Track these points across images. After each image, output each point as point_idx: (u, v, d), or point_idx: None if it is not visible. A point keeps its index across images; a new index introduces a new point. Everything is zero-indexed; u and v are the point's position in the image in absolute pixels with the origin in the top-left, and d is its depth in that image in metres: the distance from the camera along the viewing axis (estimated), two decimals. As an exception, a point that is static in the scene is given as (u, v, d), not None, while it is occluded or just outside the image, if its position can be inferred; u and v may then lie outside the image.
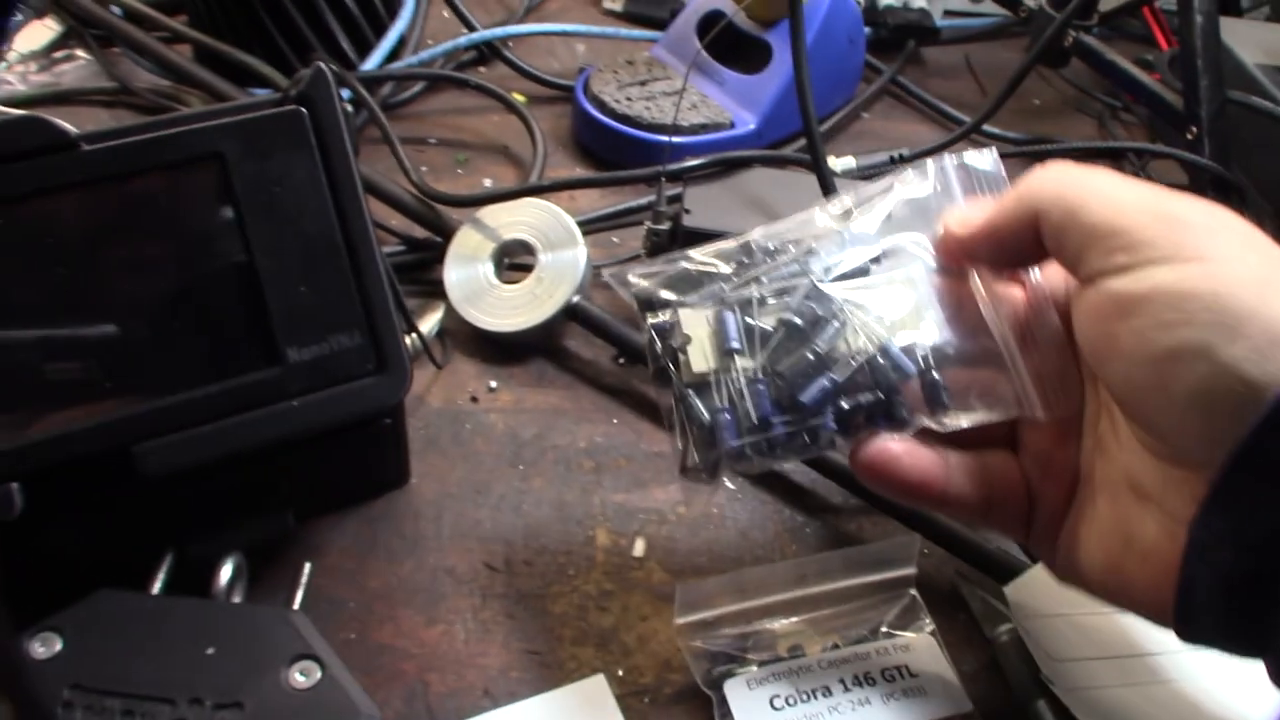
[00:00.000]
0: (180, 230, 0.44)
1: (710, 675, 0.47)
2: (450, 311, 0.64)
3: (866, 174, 0.78)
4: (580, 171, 0.81)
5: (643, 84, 0.82)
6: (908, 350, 0.42)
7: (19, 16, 0.81)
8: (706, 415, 0.42)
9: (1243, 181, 0.73)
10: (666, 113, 0.79)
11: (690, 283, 0.45)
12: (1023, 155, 0.87)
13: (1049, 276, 0.43)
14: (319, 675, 0.41)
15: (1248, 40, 0.84)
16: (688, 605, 0.48)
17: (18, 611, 0.40)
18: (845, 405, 0.41)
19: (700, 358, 0.42)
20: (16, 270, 0.41)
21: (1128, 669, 0.47)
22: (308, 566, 0.50)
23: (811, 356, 0.41)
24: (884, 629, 0.50)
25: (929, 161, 0.45)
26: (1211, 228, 0.36)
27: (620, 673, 0.49)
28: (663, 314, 0.44)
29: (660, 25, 0.95)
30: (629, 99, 0.80)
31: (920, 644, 0.49)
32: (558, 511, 0.56)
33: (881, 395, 0.41)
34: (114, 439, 0.42)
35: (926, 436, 0.42)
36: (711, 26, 0.82)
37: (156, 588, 0.46)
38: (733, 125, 0.81)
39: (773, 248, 0.45)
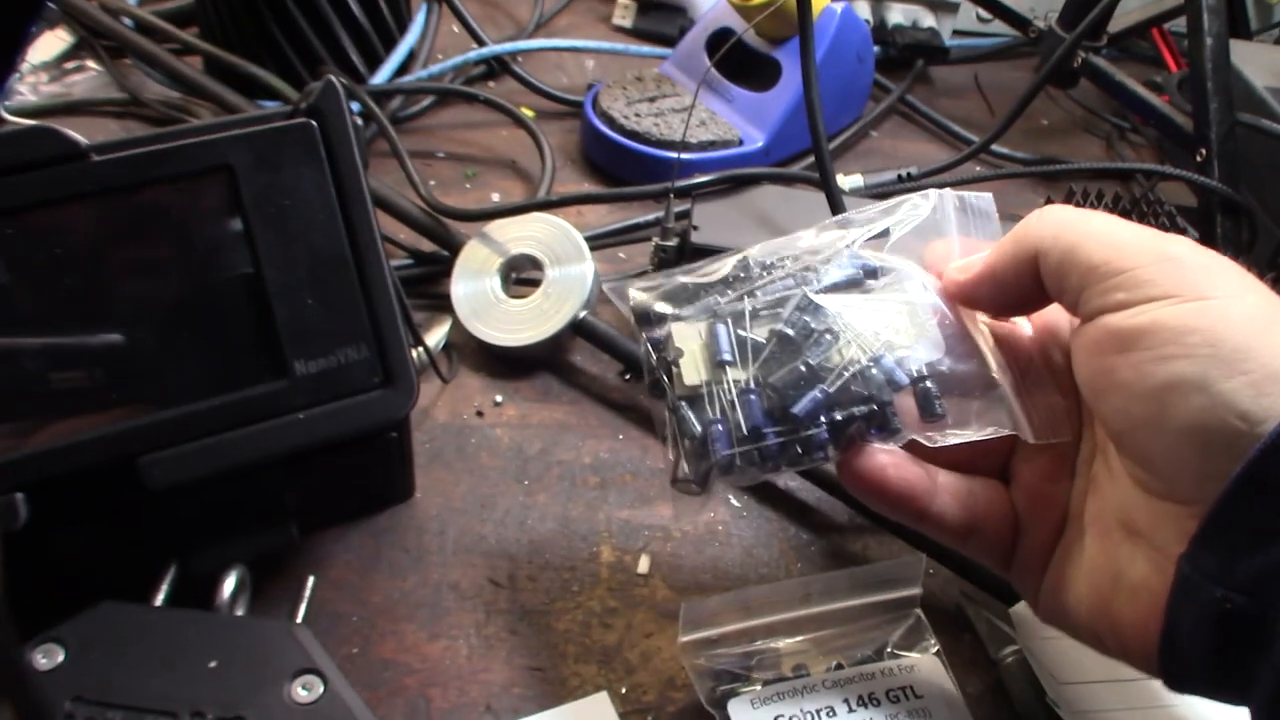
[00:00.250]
0: (188, 241, 0.44)
1: (714, 694, 0.47)
2: (457, 325, 0.64)
3: (874, 192, 0.78)
4: (588, 187, 0.81)
5: (651, 100, 0.82)
6: (901, 362, 0.42)
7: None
8: (698, 427, 0.42)
9: (1252, 204, 0.73)
10: (675, 129, 0.79)
11: (687, 296, 0.45)
12: (1031, 175, 0.87)
13: (1049, 321, 0.43)
14: (321, 690, 0.41)
15: (1257, 63, 0.84)
16: (692, 623, 0.48)
17: (20, 622, 0.40)
18: (838, 416, 0.41)
19: (693, 370, 0.43)
20: (25, 279, 0.41)
21: (1132, 693, 0.46)
22: (311, 580, 0.50)
23: (803, 368, 0.41)
24: (889, 649, 0.49)
25: (931, 191, 0.46)
26: (1210, 268, 0.36)
27: (623, 690, 0.49)
28: (659, 327, 0.44)
29: (669, 42, 0.95)
30: (638, 115, 0.80)
31: (925, 665, 0.49)
32: (562, 527, 0.56)
33: (874, 406, 0.41)
34: (120, 450, 0.42)
35: (917, 453, 0.43)
36: (721, 44, 0.83)
37: (159, 600, 0.46)
38: (741, 142, 0.81)
39: (769, 263, 0.45)
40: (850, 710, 0.46)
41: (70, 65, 0.85)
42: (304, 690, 0.41)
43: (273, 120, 0.45)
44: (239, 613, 0.46)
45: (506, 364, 0.65)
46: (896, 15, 1.01)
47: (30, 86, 0.82)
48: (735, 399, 0.41)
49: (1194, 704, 0.46)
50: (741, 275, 0.45)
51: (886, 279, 0.44)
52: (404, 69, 0.85)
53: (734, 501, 0.58)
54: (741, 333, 0.43)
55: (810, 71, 0.64)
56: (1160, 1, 0.86)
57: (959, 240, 0.45)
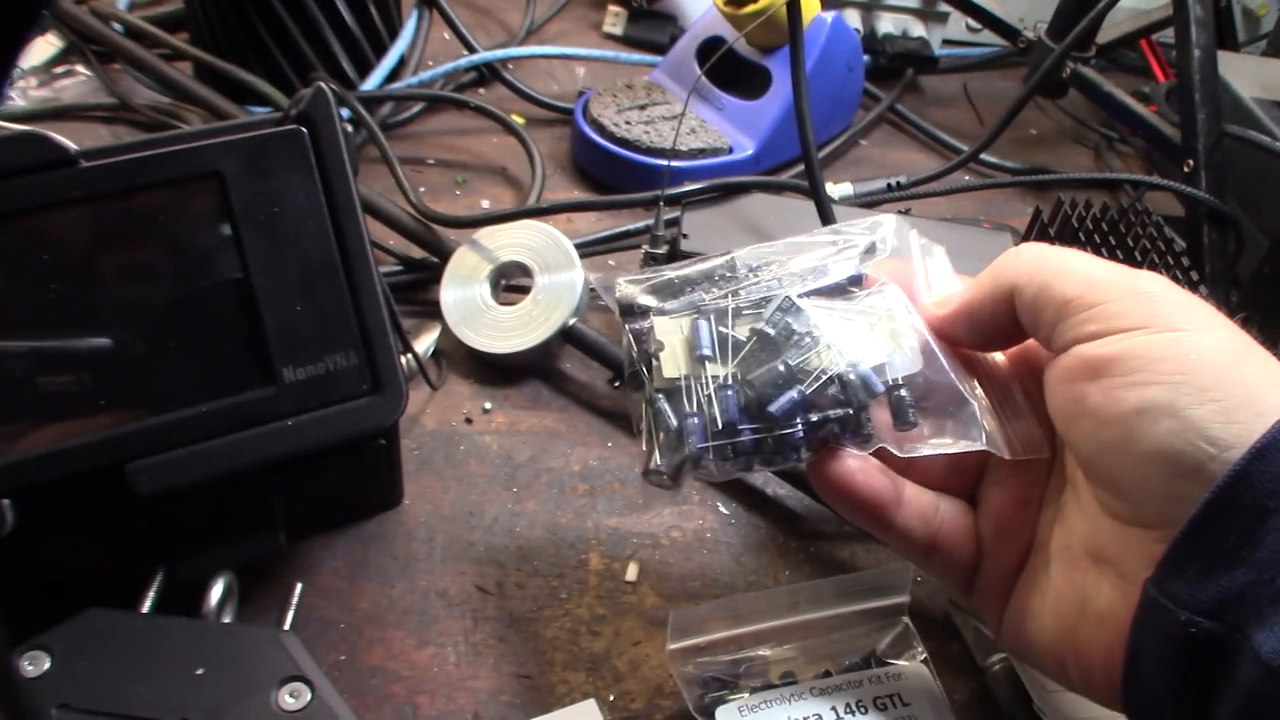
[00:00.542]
0: (178, 248, 0.44)
1: (702, 701, 0.47)
2: (446, 332, 0.64)
3: (864, 201, 0.78)
4: (578, 194, 0.81)
5: (642, 108, 0.83)
6: (878, 370, 0.42)
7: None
8: (674, 419, 0.42)
9: (1239, 215, 0.73)
10: (665, 137, 0.79)
11: (672, 291, 0.45)
12: (1020, 185, 0.88)
13: (1024, 356, 0.44)
14: (309, 697, 0.41)
15: (1244, 74, 0.84)
16: (680, 630, 0.48)
17: (7, 629, 0.39)
18: (813, 418, 0.41)
19: (672, 364, 0.43)
20: (13, 285, 0.41)
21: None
22: (299, 587, 0.50)
23: (782, 368, 0.42)
24: (877, 657, 0.50)
25: (891, 217, 0.47)
26: (1181, 303, 0.37)
27: (611, 698, 0.49)
28: (642, 320, 0.45)
29: (660, 50, 0.95)
30: (628, 123, 0.80)
31: (913, 672, 0.49)
32: (551, 535, 0.56)
33: (849, 410, 0.41)
34: (108, 456, 0.42)
35: (889, 465, 0.43)
36: (711, 52, 0.83)
37: (146, 607, 0.46)
38: (731, 151, 0.81)
39: (755, 265, 0.46)
40: (838, 717, 0.46)
41: (60, 70, 0.85)
42: (291, 698, 0.41)
43: (263, 127, 0.45)
44: (226, 620, 0.46)
45: (496, 371, 0.65)
46: (886, 24, 1.02)
47: (20, 91, 0.82)
48: (713, 394, 0.42)
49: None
50: (728, 274, 0.46)
51: (870, 290, 0.45)
52: (394, 75, 0.85)
53: (722, 509, 0.58)
54: (723, 329, 0.43)
55: (800, 80, 0.64)
56: (1148, 13, 0.86)
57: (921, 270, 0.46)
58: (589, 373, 0.66)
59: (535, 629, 0.52)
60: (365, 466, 0.52)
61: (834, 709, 0.47)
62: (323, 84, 0.46)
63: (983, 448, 0.41)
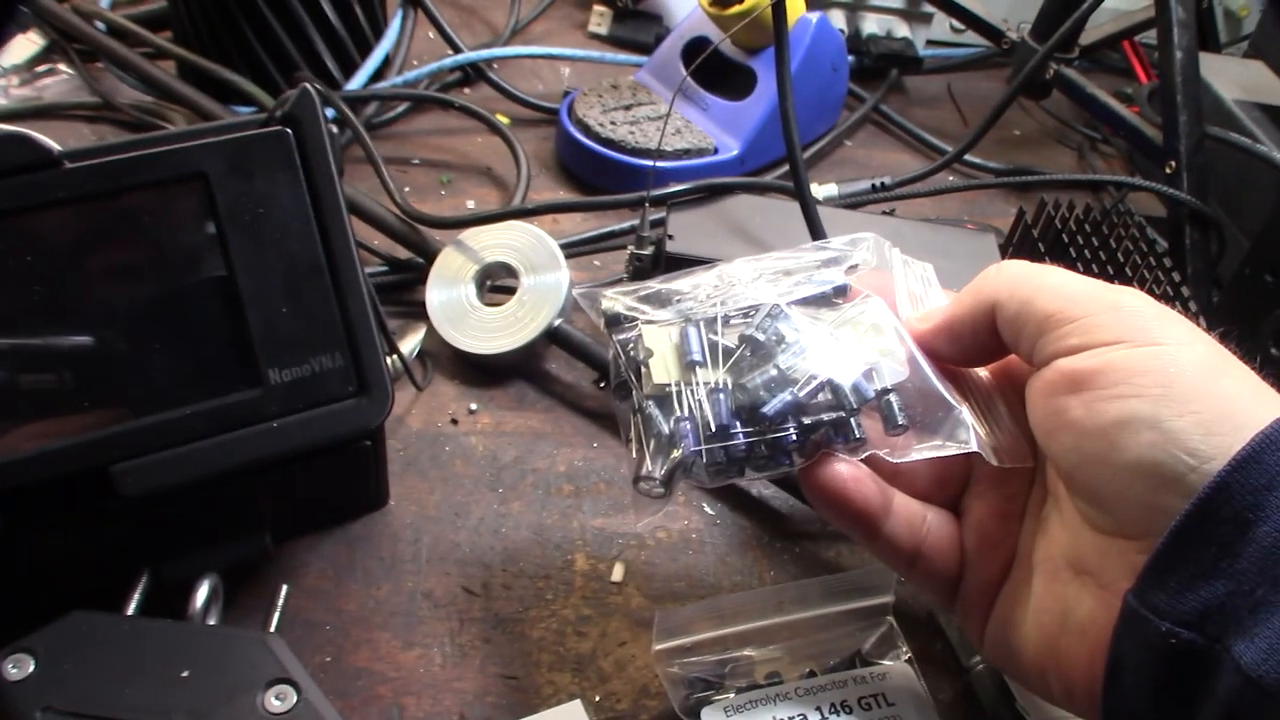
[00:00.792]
0: (163, 250, 0.44)
1: (687, 702, 0.47)
2: (431, 333, 0.64)
3: (849, 202, 0.79)
4: (563, 194, 0.81)
5: (627, 108, 0.83)
6: (867, 375, 0.42)
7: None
8: (666, 425, 0.42)
9: (1220, 216, 0.74)
10: (650, 137, 0.79)
11: (659, 301, 0.46)
12: (1003, 186, 0.88)
13: (1006, 371, 0.44)
14: (295, 700, 0.41)
15: (1225, 76, 0.85)
16: (666, 631, 0.48)
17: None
18: (805, 421, 0.41)
19: (662, 369, 0.43)
20: (-4, 286, 0.41)
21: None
22: (284, 588, 0.50)
23: (775, 371, 0.42)
24: (861, 657, 0.50)
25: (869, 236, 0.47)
26: (1161, 317, 0.38)
27: (597, 698, 0.49)
28: (629, 330, 0.45)
29: (645, 50, 0.95)
30: (613, 123, 0.80)
31: (897, 672, 0.49)
32: (537, 535, 0.56)
33: (841, 413, 0.42)
34: (92, 458, 0.42)
35: (876, 470, 0.43)
36: (696, 52, 0.83)
37: (131, 609, 0.45)
38: (716, 151, 0.81)
39: (741, 276, 0.46)
40: (823, 718, 0.47)
41: (42, 69, 0.84)
42: (277, 700, 0.41)
43: (248, 128, 0.45)
44: (212, 622, 0.46)
45: (481, 372, 0.65)
46: (871, 25, 1.02)
47: (1, 90, 0.81)
48: (704, 398, 0.42)
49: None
50: (714, 284, 0.46)
51: (854, 301, 0.45)
52: (379, 75, 0.85)
53: (708, 509, 0.59)
54: (713, 336, 0.43)
55: (786, 81, 0.64)
56: (1131, 14, 0.87)
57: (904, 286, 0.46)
58: (574, 373, 0.66)
59: (521, 630, 0.52)
60: (351, 468, 0.52)
61: (819, 709, 0.47)
62: (308, 85, 0.46)
63: (973, 449, 0.41)
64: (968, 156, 0.87)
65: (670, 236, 0.67)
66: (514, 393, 0.64)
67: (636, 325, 0.44)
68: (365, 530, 0.55)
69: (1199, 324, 0.38)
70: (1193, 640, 0.33)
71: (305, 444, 0.45)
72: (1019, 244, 0.72)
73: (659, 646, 0.48)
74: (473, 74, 0.91)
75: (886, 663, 0.49)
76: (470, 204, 0.78)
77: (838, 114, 0.93)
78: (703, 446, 0.41)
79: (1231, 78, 0.85)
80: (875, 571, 0.51)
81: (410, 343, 0.64)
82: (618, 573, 0.55)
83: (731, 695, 0.47)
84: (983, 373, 0.45)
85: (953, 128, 0.98)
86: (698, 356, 0.43)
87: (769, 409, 0.41)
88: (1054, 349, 0.38)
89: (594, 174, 0.81)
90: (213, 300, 0.44)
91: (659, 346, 0.43)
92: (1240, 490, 0.32)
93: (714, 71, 0.83)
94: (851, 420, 0.41)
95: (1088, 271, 0.64)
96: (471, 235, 0.67)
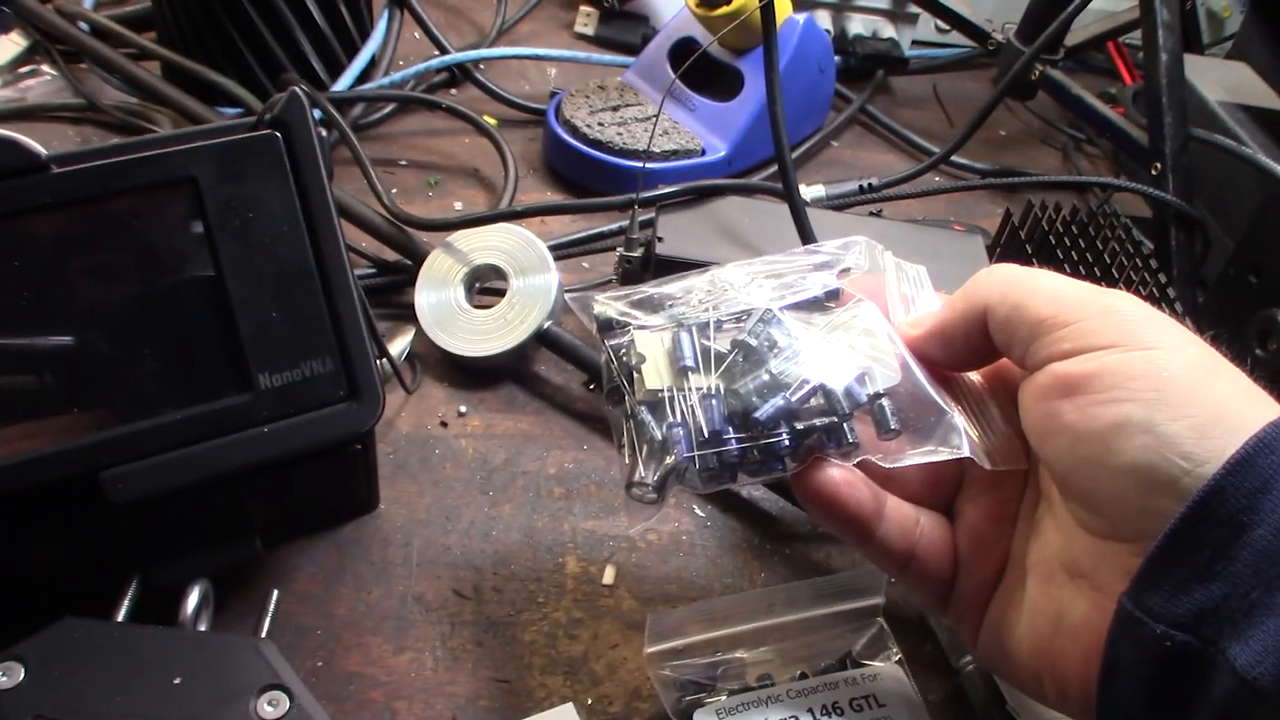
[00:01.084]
0: (152, 254, 0.44)
1: (679, 704, 0.47)
2: (420, 335, 0.64)
3: (836, 203, 0.79)
4: (551, 195, 0.81)
5: (615, 109, 0.83)
6: (859, 379, 0.42)
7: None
8: (659, 431, 0.42)
9: (1205, 217, 0.74)
10: (638, 138, 0.79)
11: (651, 306, 0.46)
12: (989, 187, 0.88)
13: (998, 375, 0.44)
14: (287, 705, 0.41)
15: (1208, 77, 0.85)
16: (657, 634, 0.48)
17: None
18: (798, 425, 0.41)
19: (655, 375, 0.43)
20: (-16, 292, 0.41)
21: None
22: (275, 593, 0.50)
23: (767, 376, 0.42)
24: (852, 658, 0.50)
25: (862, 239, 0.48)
26: (1153, 321, 0.38)
27: (589, 701, 0.49)
28: (621, 336, 0.45)
29: (632, 50, 0.95)
30: (601, 124, 0.80)
31: (888, 673, 0.49)
32: (527, 538, 0.56)
33: (834, 418, 0.42)
34: (82, 464, 0.42)
35: (869, 475, 0.43)
36: (683, 53, 0.83)
37: (121, 615, 0.45)
38: (703, 152, 0.81)
39: (732, 281, 0.46)
40: (814, 719, 0.47)
41: (24, 70, 0.84)
42: (270, 706, 0.41)
43: (237, 131, 0.45)
44: (202, 628, 0.46)
45: (471, 374, 0.65)
46: (857, 26, 1.02)
47: (-16, 91, 0.81)
48: (697, 403, 0.42)
49: None
50: (706, 289, 0.46)
51: (846, 305, 0.45)
52: (366, 76, 0.84)
53: (698, 511, 0.59)
54: (705, 342, 0.43)
55: (774, 83, 0.64)
56: (1116, 15, 0.87)
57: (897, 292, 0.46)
58: (564, 375, 0.66)
59: (513, 633, 0.52)
60: (341, 472, 0.52)
61: (810, 710, 0.47)
62: (297, 89, 0.45)
63: (966, 455, 0.41)
64: (954, 157, 0.87)
65: (660, 239, 0.67)
66: (504, 395, 0.64)
67: (629, 330, 0.44)
68: (356, 534, 0.55)
69: (1186, 325, 0.38)
70: (1188, 643, 0.33)
71: (296, 449, 0.45)
72: (1006, 245, 0.72)
73: (651, 649, 0.48)
74: (459, 75, 0.91)
75: (877, 664, 0.50)
76: (458, 205, 0.78)
77: (824, 115, 0.93)
78: (695, 452, 0.41)
79: (1215, 79, 0.85)
80: (865, 573, 0.51)
81: (399, 345, 0.64)
82: (609, 575, 0.55)
83: (723, 697, 0.47)
84: (974, 376, 0.45)
85: (938, 128, 0.98)
86: (690, 362, 0.43)
87: (761, 414, 0.41)
88: (1047, 353, 0.38)
89: (582, 175, 0.81)
90: (203, 305, 0.44)
91: (651, 352, 0.43)
92: (1234, 493, 0.33)
93: (701, 72, 0.83)
94: (844, 425, 0.41)
95: (1074, 272, 0.64)
96: (460, 237, 0.67)
